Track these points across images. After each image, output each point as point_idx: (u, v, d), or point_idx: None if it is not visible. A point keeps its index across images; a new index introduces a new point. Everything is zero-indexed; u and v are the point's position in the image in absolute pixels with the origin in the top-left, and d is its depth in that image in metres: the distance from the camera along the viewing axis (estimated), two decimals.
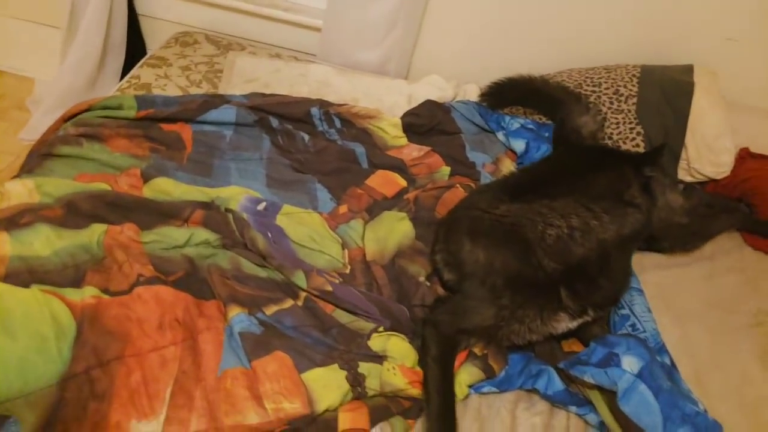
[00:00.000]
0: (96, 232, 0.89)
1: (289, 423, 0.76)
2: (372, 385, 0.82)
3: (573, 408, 0.89)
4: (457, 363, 0.89)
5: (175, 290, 0.85)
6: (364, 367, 0.83)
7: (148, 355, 0.77)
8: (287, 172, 1.18)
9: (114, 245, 0.88)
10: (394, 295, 0.98)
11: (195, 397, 0.75)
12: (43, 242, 0.85)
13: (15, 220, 0.87)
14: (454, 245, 0.98)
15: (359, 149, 1.29)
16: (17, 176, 1.00)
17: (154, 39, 1.76)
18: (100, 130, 1.10)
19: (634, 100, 1.45)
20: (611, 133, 1.44)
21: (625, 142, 1.42)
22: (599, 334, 0.96)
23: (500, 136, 1.43)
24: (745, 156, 1.48)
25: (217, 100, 1.23)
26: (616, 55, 1.57)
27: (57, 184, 0.95)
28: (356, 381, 0.81)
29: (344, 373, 0.81)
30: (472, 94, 1.56)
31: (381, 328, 0.90)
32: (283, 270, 0.94)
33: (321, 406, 0.77)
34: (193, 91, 1.40)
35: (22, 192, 0.92)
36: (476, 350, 0.92)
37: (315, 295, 0.92)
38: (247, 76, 1.46)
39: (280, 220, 1.05)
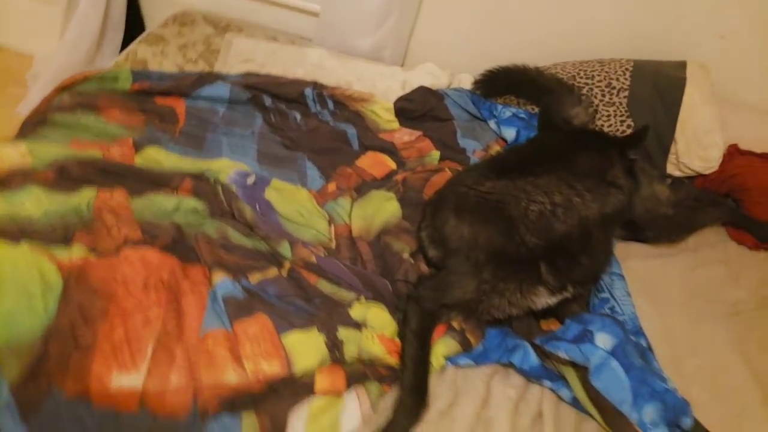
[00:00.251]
0: (86, 195, 0.91)
1: (268, 383, 0.77)
2: (350, 351, 0.83)
3: (547, 383, 0.91)
4: (435, 336, 0.91)
5: (161, 253, 0.87)
6: (343, 333, 0.85)
7: (132, 313, 0.79)
8: (278, 148, 1.20)
9: (104, 209, 0.90)
10: (378, 270, 1.00)
11: (176, 356, 0.77)
12: (34, 203, 0.87)
13: (6, 182, 0.89)
14: (439, 221, 0.99)
15: (351, 130, 1.31)
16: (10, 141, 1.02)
17: (153, 18, 1.78)
18: (95, 100, 1.12)
19: (626, 93, 1.47)
20: (602, 125, 1.46)
21: (615, 135, 1.44)
22: (578, 313, 0.97)
23: (492, 124, 1.45)
24: (733, 152, 1.50)
25: (211, 77, 1.25)
26: (611, 49, 1.59)
27: (49, 149, 0.97)
28: (335, 346, 0.83)
29: (323, 337, 0.83)
30: (466, 83, 1.58)
31: (362, 298, 0.92)
32: (269, 240, 0.95)
33: (299, 368, 0.79)
34: (189, 68, 1.41)
35: (14, 155, 0.94)
36: (455, 324, 0.93)
37: (299, 266, 0.94)
38: (244, 57, 1.48)
39: (269, 194, 1.06)
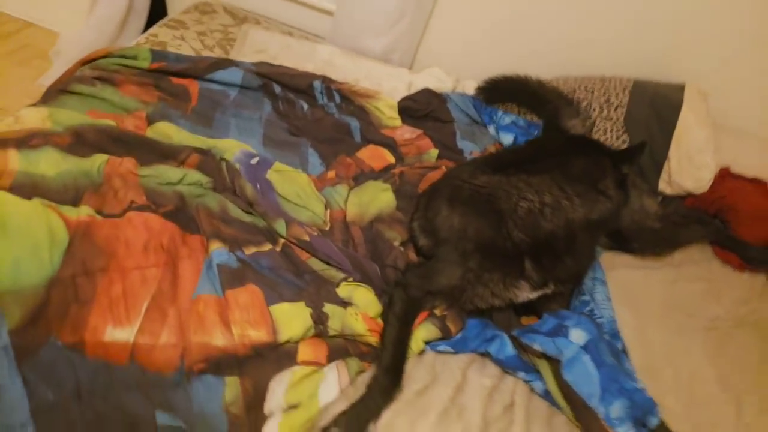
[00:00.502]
0: (98, 160, 0.96)
1: (253, 348, 0.81)
2: (334, 325, 0.87)
3: (521, 374, 0.94)
4: (417, 321, 0.94)
5: (163, 220, 0.91)
6: (328, 308, 0.88)
7: (130, 271, 0.83)
8: (283, 134, 1.25)
9: (113, 174, 0.95)
10: (369, 255, 1.04)
11: (168, 315, 0.81)
12: (49, 163, 0.92)
13: (26, 141, 0.94)
14: (431, 212, 1.03)
15: (354, 124, 1.36)
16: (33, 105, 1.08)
17: (175, 6, 1.85)
18: (114, 75, 1.17)
19: (624, 109, 1.51)
20: (599, 139, 1.50)
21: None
22: (556, 310, 1.01)
23: (491, 129, 1.50)
24: (725, 175, 1.53)
25: (226, 62, 1.31)
26: (613, 67, 1.63)
27: (68, 115, 1.02)
28: (319, 319, 0.86)
29: (309, 310, 0.86)
30: (470, 89, 1.63)
31: (350, 279, 0.96)
32: (266, 217, 1.00)
33: (283, 336, 0.83)
34: (206, 54, 1.48)
35: (35, 117, 1.00)
36: (437, 311, 0.97)
37: (293, 243, 0.98)
38: (258, 47, 1.54)
39: (270, 175, 1.11)
